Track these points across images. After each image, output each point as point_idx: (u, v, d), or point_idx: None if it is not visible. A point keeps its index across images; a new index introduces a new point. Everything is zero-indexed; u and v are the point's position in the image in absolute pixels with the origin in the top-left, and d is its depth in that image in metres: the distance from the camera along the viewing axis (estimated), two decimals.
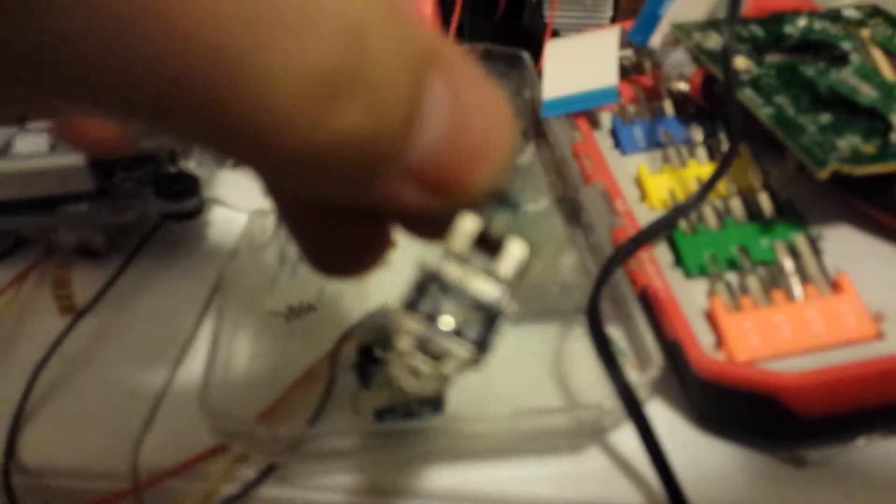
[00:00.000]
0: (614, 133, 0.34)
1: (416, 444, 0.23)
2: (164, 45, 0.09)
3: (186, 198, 0.29)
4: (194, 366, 0.25)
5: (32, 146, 0.30)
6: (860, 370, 0.22)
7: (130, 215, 0.30)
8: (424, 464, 0.23)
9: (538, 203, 0.33)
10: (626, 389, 0.22)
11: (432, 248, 0.14)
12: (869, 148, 0.25)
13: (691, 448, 0.24)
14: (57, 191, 0.30)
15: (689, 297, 0.25)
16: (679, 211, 0.27)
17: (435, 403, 0.23)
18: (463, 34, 0.42)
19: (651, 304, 0.25)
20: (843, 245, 0.27)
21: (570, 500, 0.23)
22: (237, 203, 0.34)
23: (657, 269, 0.26)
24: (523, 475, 0.23)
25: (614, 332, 0.26)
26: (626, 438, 0.23)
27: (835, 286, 0.25)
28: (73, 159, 0.29)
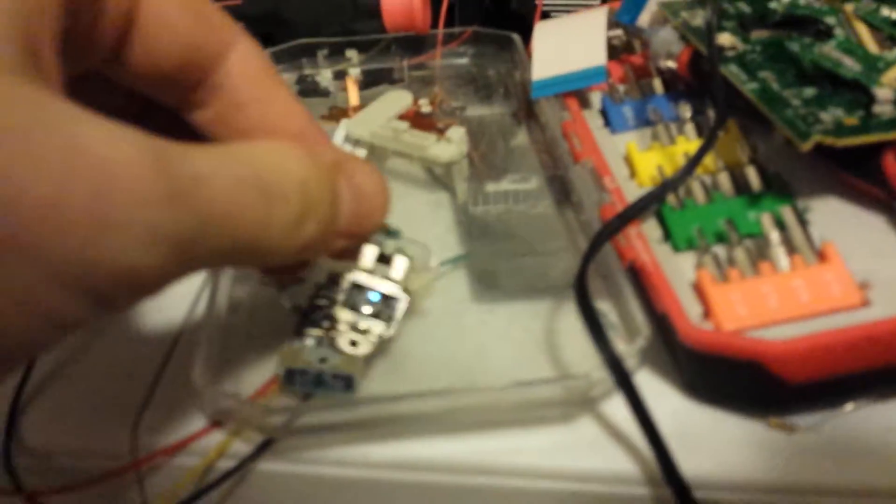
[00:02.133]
0: (604, 112, 0.34)
1: (409, 417, 0.23)
2: None
3: None
4: (190, 346, 0.25)
5: None
6: (845, 336, 0.22)
7: None
8: (418, 436, 0.24)
9: (530, 182, 0.33)
10: (613, 359, 0.22)
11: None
12: (852, 120, 0.25)
13: (682, 416, 0.24)
14: None
15: (677, 271, 0.26)
16: (666, 186, 0.27)
17: (348, 381, 0.24)
18: (453, 18, 0.42)
19: (639, 278, 0.26)
20: (830, 215, 0.27)
21: (562, 468, 0.23)
22: None
23: (645, 243, 0.26)
24: (516, 445, 0.24)
25: (605, 307, 0.27)
26: (618, 408, 0.24)
27: (821, 256, 0.25)
28: None
